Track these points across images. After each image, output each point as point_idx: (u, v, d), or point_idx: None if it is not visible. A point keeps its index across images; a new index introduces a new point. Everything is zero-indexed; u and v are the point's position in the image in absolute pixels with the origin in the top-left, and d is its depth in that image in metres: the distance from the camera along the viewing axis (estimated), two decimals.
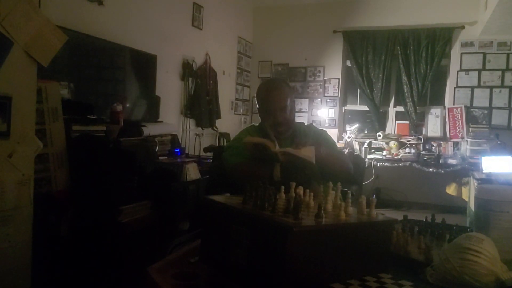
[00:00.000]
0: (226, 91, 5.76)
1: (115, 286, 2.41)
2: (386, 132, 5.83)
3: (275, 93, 1.79)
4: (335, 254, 0.96)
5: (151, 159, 3.01)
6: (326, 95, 6.19)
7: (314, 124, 5.49)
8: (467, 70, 5.47)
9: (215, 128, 5.27)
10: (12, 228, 1.90)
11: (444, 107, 5.61)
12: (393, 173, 5.46)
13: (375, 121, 5.93)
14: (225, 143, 5.13)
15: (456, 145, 5.41)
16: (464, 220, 4.08)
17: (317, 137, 1.87)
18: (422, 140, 5.50)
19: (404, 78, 5.67)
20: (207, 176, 3.18)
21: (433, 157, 5.15)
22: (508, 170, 3.93)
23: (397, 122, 5.98)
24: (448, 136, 5.48)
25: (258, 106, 1.87)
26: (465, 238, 1.05)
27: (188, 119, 4.83)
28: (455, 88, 5.53)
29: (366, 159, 5.23)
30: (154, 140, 3.25)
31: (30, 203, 1.98)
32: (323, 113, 6.16)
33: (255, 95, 1.91)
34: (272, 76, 6.32)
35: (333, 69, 6.15)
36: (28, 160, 1.97)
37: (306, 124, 2.02)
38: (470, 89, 5.46)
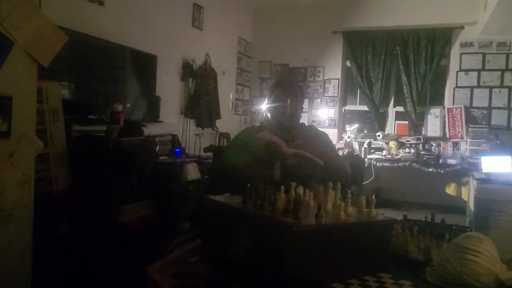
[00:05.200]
0: (226, 91, 5.76)
1: (115, 285, 2.41)
2: (386, 132, 5.84)
3: (292, 86, 1.89)
4: (335, 253, 0.97)
5: (151, 159, 3.01)
6: (326, 95, 6.19)
7: (314, 124, 5.51)
8: (466, 70, 5.47)
9: (215, 128, 5.28)
10: (12, 227, 1.90)
11: (444, 107, 5.61)
12: (393, 173, 5.46)
13: (374, 121, 5.94)
14: (225, 143, 5.14)
15: (455, 145, 5.42)
16: (463, 220, 4.09)
17: (317, 138, 1.88)
18: (422, 140, 5.51)
19: (404, 78, 5.67)
20: (208, 176, 3.19)
21: (433, 157, 5.15)
22: (507, 170, 3.94)
23: (396, 122, 5.98)
24: (447, 136, 5.48)
25: (268, 99, 1.89)
26: (465, 238, 1.05)
27: (188, 119, 4.84)
28: (454, 88, 5.53)
29: (366, 159, 5.24)
30: (154, 140, 3.25)
31: (30, 202, 1.98)
32: (323, 113, 6.16)
33: (268, 89, 1.94)
34: (276, 75, 6.30)
35: (333, 69, 6.16)
36: (29, 160, 1.98)
37: (307, 125, 2.04)
38: (469, 89, 5.46)
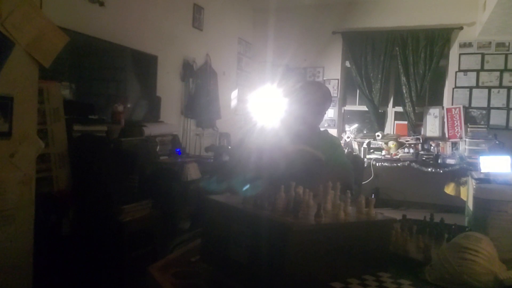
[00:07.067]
0: (226, 91, 5.77)
1: (117, 285, 2.42)
2: (385, 132, 5.84)
3: (322, 89, 1.78)
4: (335, 253, 0.97)
5: (152, 159, 3.02)
6: None
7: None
8: (465, 71, 5.48)
9: (215, 128, 5.29)
10: (13, 227, 1.90)
11: (443, 108, 5.62)
12: (392, 173, 5.47)
13: (374, 121, 5.94)
14: (225, 143, 5.15)
15: (454, 145, 5.42)
16: (462, 219, 4.09)
17: (329, 143, 1.82)
18: (421, 140, 5.51)
19: (403, 78, 5.68)
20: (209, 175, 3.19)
21: (432, 157, 5.16)
22: (506, 170, 3.95)
23: (396, 122, 5.99)
24: (446, 136, 5.49)
25: (289, 99, 1.77)
26: (464, 237, 1.06)
27: (189, 119, 4.84)
28: (453, 88, 5.54)
29: (365, 159, 5.24)
30: (155, 140, 3.26)
31: (31, 202, 1.99)
32: None
33: (289, 90, 1.79)
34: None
35: (333, 70, 6.16)
36: (30, 160, 1.98)
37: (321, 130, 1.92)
38: (468, 89, 5.47)
